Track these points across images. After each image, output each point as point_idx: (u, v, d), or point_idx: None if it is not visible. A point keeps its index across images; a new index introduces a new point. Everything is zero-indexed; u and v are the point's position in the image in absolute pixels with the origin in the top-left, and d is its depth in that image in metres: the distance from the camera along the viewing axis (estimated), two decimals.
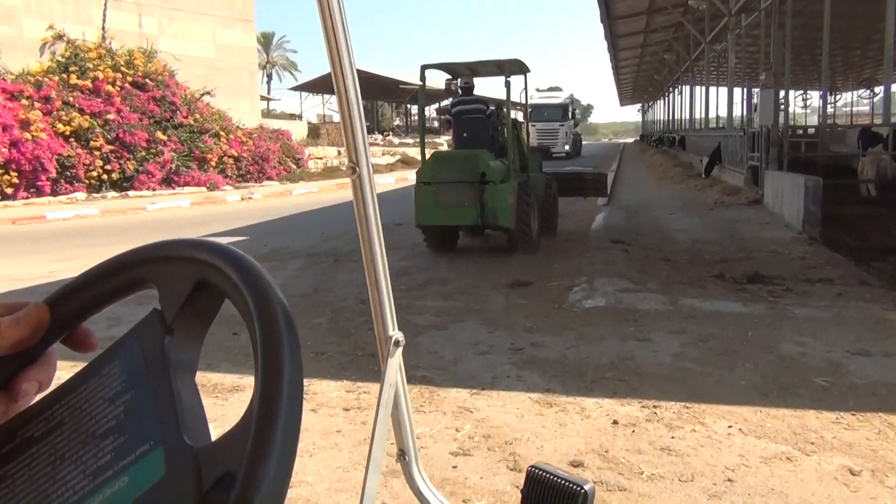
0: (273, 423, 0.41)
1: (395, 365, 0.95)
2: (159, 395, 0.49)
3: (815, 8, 17.67)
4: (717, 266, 7.00)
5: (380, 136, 45.82)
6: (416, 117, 68.79)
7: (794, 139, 15.44)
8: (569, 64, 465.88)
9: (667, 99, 45.92)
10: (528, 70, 8.44)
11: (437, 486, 1.34)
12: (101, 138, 17.57)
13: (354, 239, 6.97)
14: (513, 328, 4.89)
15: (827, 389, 3.61)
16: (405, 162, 30.42)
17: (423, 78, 8.27)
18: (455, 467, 2.83)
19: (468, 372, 4.00)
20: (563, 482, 0.79)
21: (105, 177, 17.60)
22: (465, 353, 4.34)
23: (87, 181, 17.36)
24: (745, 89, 27.99)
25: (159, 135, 18.80)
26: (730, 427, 3.16)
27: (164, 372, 0.50)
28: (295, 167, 24.65)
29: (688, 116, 34.16)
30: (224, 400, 3.67)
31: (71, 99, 17.67)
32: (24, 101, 16.58)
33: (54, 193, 16.46)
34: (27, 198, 15.73)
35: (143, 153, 18.38)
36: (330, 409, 3.47)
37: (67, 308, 0.53)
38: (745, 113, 23.32)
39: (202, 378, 4.98)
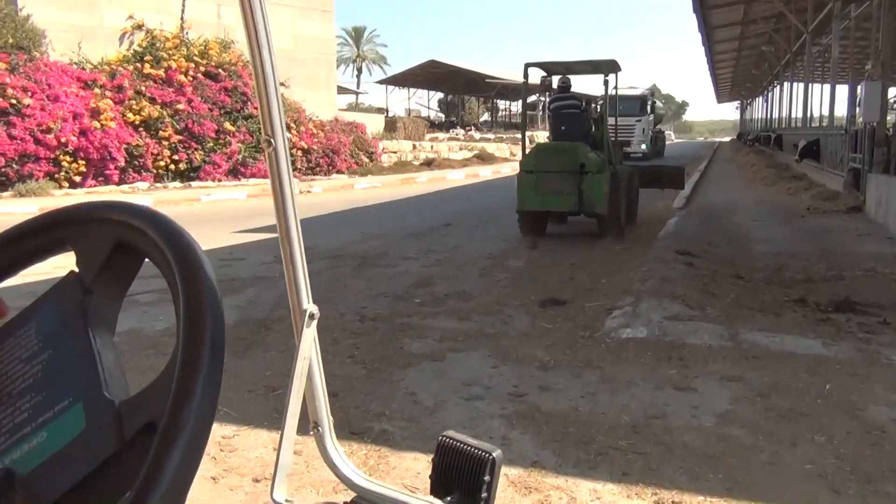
0: (194, 374, 0.43)
1: (309, 337, 0.94)
2: (78, 354, 0.51)
3: None
4: (800, 287, 5.86)
5: (461, 131, 45.03)
6: (504, 112, 68.30)
7: None
8: (662, 60, 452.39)
9: (766, 96, 43.21)
10: (620, 69, 9.06)
11: None
12: (170, 128, 17.54)
13: (394, 239, 7.33)
14: (524, 363, 3.99)
15: None
16: (481, 158, 29.55)
17: (525, 75, 9.02)
18: None
19: (443, 427, 3.13)
20: (472, 449, 0.86)
21: (172, 167, 17.58)
22: (451, 396, 3.48)
23: (155, 171, 17.37)
24: (850, 85, 25.68)
25: (227, 126, 18.64)
26: None
27: (84, 331, 0.52)
28: (368, 161, 24.20)
29: (786, 114, 31.83)
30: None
31: (143, 88, 17.71)
32: (96, 90, 16.69)
33: (121, 182, 16.51)
34: (93, 186, 15.80)
35: (212, 144, 18.28)
36: (240, 479, 2.70)
37: None
38: (848, 111, 21.24)
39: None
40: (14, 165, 14.41)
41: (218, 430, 3.01)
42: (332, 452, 1.00)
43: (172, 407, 0.42)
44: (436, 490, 0.89)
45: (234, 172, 18.69)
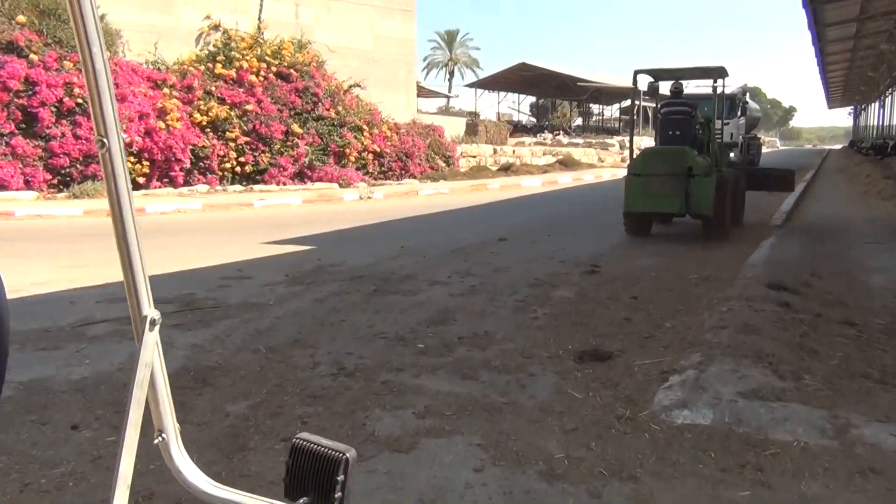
0: None
1: (150, 343, 0.91)
2: None
3: None
4: None
5: (549, 135, 43.46)
6: (597, 117, 66.10)
7: None
8: (770, 63, 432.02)
9: (882, 101, 39.65)
10: (728, 75, 9.27)
11: None
12: (237, 129, 17.10)
13: (433, 257, 7.48)
14: (525, 463, 2.79)
15: None
16: (564, 164, 28.07)
17: (635, 82, 9.45)
18: None
19: None
20: (326, 450, 0.86)
21: (238, 169, 17.13)
22: None
23: (221, 173, 16.95)
24: None
25: (295, 128, 18.06)
26: None
27: None
28: (444, 165, 23.21)
29: None
30: None
31: (213, 88, 17.36)
32: (165, 90, 16.41)
33: (186, 184, 16.15)
34: (158, 187, 15.48)
35: (279, 146, 17.74)
36: None
37: None
38: None
39: None
40: (78, 166, 14.22)
41: None
42: (179, 460, 0.96)
43: None
44: (290, 493, 0.88)
45: (301, 176, 18.07)
